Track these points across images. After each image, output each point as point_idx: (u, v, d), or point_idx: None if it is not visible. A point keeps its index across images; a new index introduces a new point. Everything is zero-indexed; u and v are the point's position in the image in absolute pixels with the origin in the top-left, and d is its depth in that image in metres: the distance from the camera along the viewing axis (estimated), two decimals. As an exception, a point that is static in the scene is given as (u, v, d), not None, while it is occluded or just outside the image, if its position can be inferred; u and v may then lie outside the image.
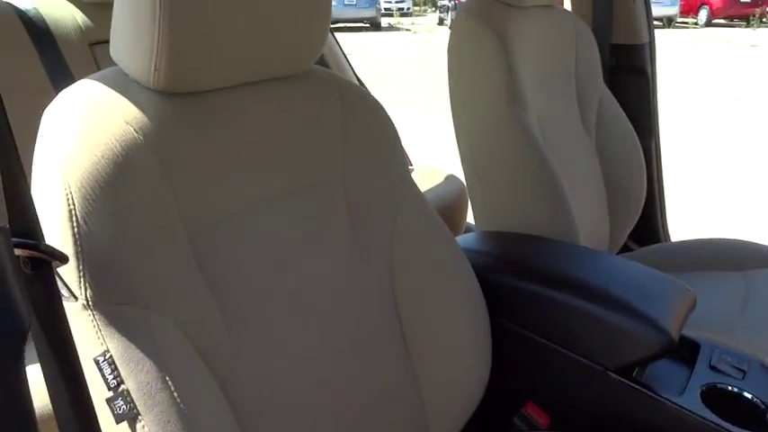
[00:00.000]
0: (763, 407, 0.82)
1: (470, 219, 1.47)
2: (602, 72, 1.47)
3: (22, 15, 1.32)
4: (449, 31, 1.22)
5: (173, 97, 0.66)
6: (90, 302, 0.57)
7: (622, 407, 0.87)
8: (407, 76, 8.03)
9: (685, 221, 2.87)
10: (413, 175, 0.91)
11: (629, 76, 1.57)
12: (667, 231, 1.65)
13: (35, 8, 1.36)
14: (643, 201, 1.46)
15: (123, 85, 0.65)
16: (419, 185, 0.91)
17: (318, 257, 0.77)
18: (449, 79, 1.20)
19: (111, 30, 0.65)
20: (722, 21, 14.97)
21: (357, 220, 0.81)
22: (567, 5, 1.59)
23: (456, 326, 0.87)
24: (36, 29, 1.33)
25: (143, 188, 0.60)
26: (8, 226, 0.40)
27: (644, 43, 1.54)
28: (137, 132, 0.61)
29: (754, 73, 7.85)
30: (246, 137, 0.71)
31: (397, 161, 0.87)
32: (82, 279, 0.56)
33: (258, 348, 0.68)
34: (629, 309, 0.87)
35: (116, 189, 0.58)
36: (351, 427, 0.76)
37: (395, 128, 0.88)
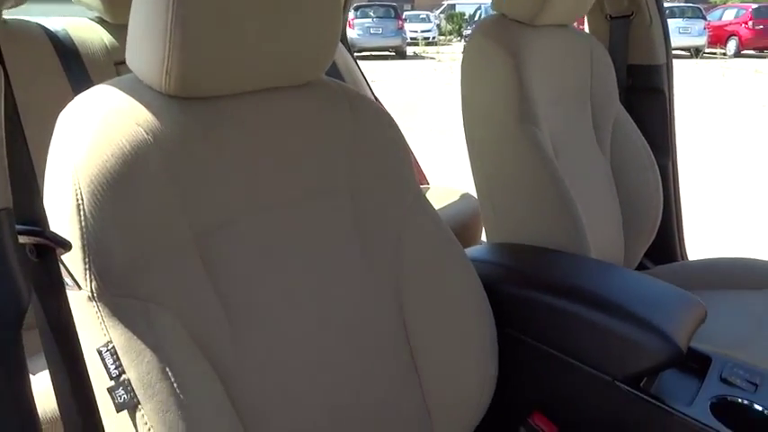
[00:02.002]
0: (774, 420, 0.81)
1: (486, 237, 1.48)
2: (619, 92, 1.48)
3: (51, 36, 1.39)
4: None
5: (184, 102, 0.69)
6: (95, 294, 0.59)
7: (630, 417, 0.86)
8: (429, 102, 8.10)
9: (708, 240, 2.94)
10: (428, 194, 0.92)
11: (646, 97, 1.58)
12: (684, 250, 1.63)
13: (64, 29, 1.43)
14: (659, 219, 1.45)
15: (137, 89, 0.68)
16: (434, 204, 0.93)
17: (324, 264, 0.78)
18: (462, 95, 1.22)
19: (128, 37, 0.69)
20: (751, 51, 14.84)
21: (364, 230, 0.83)
22: (585, 27, 1.61)
23: (462, 336, 0.87)
24: (64, 49, 1.39)
25: (150, 187, 0.62)
26: (12, 210, 0.42)
27: (661, 64, 1.55)
28: (147, 134, 0.64)
29: (783, 102, 7.75)
30: (254, 143, 0.73)
31: (406, 172, 0.89)
32: (88, 271, 0.59)
33: (260, 349, 0.69)
34: (636, 319, 0.86)
35: (123, 186, 0.60)
36: (354, 430, 0.77)
37: (404, 139, 0.90)
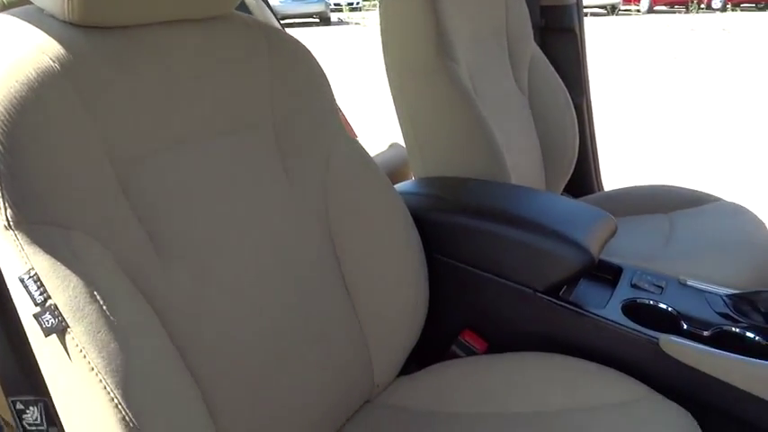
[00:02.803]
0: (676, 314, 0.89)
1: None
2: (534, 33, 1.53)
3: None
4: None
5: (90, 31, 0.67)
6: (11, 223, 0.57)
7: (551, 324, 0.92)
8: (356, 64, 8.06)
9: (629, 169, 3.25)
10: None
11: (559, 36, 1.64)
12: (601, 182, 1.73)
13: None
14: (576, 154, 1.53)
15: (39, 19, 0.66)
16: None
17: (252, 196, 0.79)
18: (381, 36, 1.23)
19: None
20: (663, 7, 15.50)
21: (290, 161, 0.84)
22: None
23: (392, 261, 0.91)
24: None
25: (61, 115, 0.61)
26: None
27: (571, 4, 1.61)
28: (53, 61, 0.62)
29: (691, 54, 8.17)
30: (170, 74, 0.72)
31: (327, 104, 0.90)
32: (1, 199, 0.57)
33: (192, 280, 0.69)
34: (552, 232, 0.92)
35: (32, 114, 0.59)
36: (290, 359, 0.78)
37: (323, 72, 0.91)
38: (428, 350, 1.00)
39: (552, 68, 1.53)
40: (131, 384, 0.57)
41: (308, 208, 0.85)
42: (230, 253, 0.74)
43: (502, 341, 0.97)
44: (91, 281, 0.58)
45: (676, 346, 0.81)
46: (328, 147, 0.88)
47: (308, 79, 0.87)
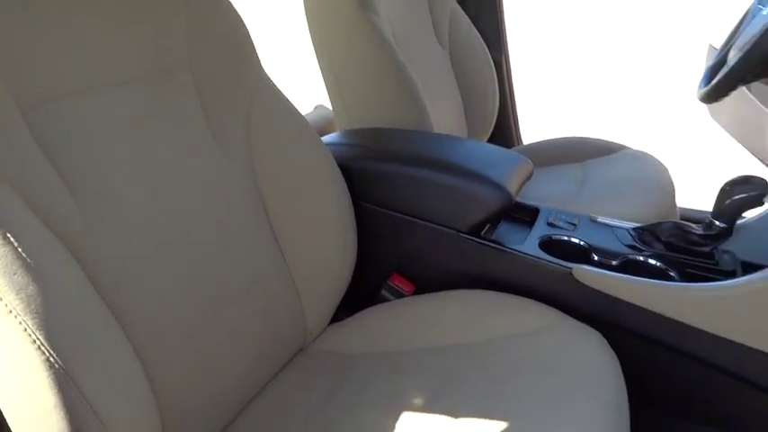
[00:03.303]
0: (588, 247, 0.95)
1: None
2: (454, -10, 1.56)
3: None
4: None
5: None
6: None
7: (474, 262, 0.96)
8: (277, 34, 7.90)
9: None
10: None
11: (478, -5, 1.67)
12: (520, 136, 1.79)
13: None
14: (496, 108, 1.58)
15: None
16: None
17: (174, 143, 0.77)
18: (302, -9, 1.22)
19: None
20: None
21: (211, 110, 0.82)
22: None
23: (319, 209, 0.92)
24: None
25: None
26: None
27: (489, -38, 1.64)
28: None
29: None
30: (72, 13, 0.69)
31: (247, 51, 0.88)
32: None
33: (112, 221, 0.68)
34: (472, 175, 0.96)
35: None
36: (220, 307, 0.78)
37: (241, 19, 0.89)
38: (358, 296, 1.03)
39: (472, 25, 1.56)
40: (53, 326, 0.55)
41: (232, 155, 0.84)
42: (151, 198, 0.73)
43: (429, 282, 1.01)
44: (2, 223, 0.56)
45: (588, 274, 0.86)
46: (250, 93, 0.87)
47: (226, 27, 0.86)
